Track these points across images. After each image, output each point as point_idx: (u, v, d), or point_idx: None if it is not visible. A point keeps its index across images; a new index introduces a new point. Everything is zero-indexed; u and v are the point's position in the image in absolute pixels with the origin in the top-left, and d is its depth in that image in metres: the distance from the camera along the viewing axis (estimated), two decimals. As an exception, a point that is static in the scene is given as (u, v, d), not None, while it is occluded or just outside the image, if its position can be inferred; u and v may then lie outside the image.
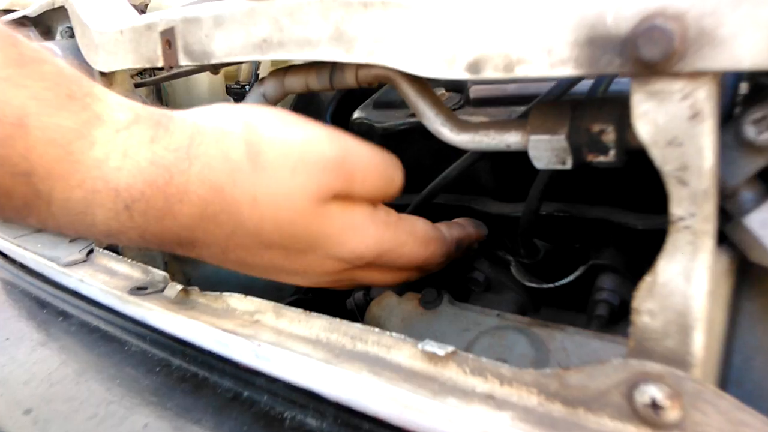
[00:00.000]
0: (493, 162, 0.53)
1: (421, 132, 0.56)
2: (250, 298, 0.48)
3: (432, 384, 0.35)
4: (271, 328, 0.45)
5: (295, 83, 0.47)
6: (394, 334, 0.38)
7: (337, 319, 0.42)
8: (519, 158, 0.38)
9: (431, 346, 0.35)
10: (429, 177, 0.57)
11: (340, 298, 0.60)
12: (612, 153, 0.33)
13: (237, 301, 0.48)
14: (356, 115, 0.61)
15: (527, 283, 0.51)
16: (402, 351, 0.37)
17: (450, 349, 0.35)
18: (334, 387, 0.38)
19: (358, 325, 0.40)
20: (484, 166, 0.53)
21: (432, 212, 0.61)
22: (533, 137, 0.35)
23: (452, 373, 0.35)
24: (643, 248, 0.48)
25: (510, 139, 0.37)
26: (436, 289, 0.55)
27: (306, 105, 0.69)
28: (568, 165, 0.34)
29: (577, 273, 0.48)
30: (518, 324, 0.50)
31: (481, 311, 0.53)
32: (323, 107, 0.66)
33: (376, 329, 0.39)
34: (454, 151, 0.55)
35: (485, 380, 0.34)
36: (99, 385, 0.48)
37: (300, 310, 0.44)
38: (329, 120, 0.68)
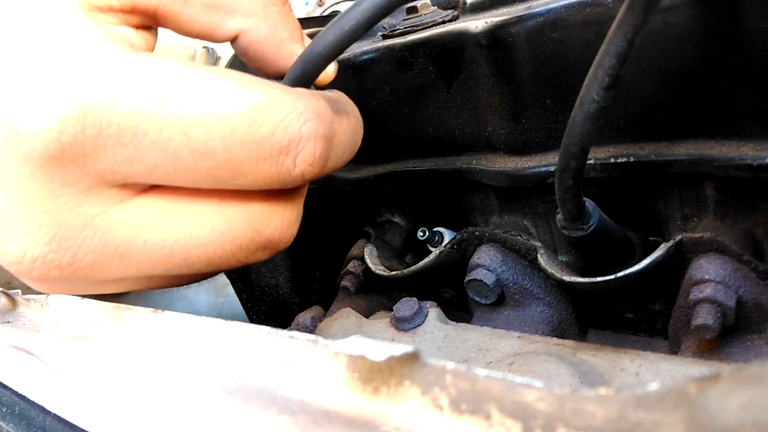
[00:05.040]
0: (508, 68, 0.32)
1: (395, 60, 0.38)
2: (87, 301, 0.28)
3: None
4: (103, 346, 0.25)
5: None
6: (296, 333, 0.18)
7: (203, 319, 0.21)
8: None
9: (355, 345, 0.15)
10: (407, 118, 0.39)
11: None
12: None
13: (67, 307, 0.28)
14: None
15: (567, 279, 0.30)
16: (300, 364, 0.17)
17: (401, 349, 0.15)
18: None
19: (251, 327, 0.20)
20: (494, 97, 0.34)
21: (405, 183, 0.41)
22: None
23: (408, 408, 0.15)
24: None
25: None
26: (416, 299, 0.34)
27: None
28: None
29: (655, 256, 0.28)
30: (554, 347, 0.29)
31: (491, 332, 0.32)
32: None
33: (267, 329, 0.19)
34: (436, 85, 0.36)
35: (488, 424, 0.13)
36: None
37: (149, 311, 0.24)
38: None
